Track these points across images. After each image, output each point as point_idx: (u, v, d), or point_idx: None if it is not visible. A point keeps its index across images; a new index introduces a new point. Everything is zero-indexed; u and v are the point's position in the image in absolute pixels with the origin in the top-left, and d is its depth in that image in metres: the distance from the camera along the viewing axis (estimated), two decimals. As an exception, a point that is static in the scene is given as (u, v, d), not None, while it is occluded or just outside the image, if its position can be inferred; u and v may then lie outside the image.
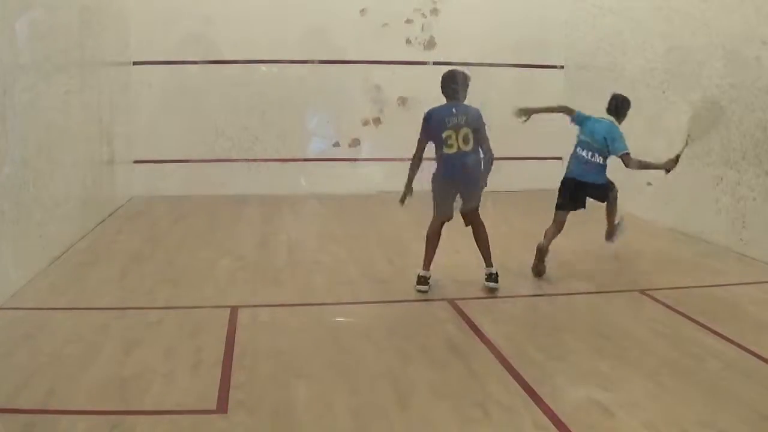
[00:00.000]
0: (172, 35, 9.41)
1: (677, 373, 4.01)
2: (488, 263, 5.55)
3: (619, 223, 6.56)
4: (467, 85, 5.65)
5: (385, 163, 10.12)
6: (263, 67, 9.81)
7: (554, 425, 3.39)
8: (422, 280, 5.49)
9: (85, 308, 5.12)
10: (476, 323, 4.80)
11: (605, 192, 6.31)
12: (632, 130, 8.54)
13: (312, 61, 9.86)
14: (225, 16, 9.52)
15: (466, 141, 5.37)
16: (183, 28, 9.44)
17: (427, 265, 5.55)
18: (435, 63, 10.11)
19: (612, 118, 6.39)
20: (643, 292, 5.51)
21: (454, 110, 5.43)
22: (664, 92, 7.94)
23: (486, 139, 5.47)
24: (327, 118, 10.18)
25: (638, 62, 8.44)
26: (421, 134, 5.54)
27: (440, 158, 5.46)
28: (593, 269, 6.22)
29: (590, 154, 6.18)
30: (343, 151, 10.13)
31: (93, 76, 7.83)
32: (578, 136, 6.33)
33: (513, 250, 6.83)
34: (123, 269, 6.10)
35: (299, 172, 9.99)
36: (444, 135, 5.38)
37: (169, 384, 3.81)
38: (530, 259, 6.46)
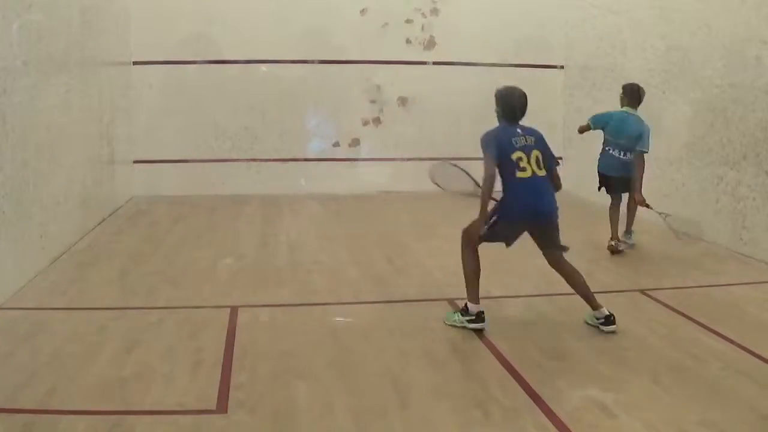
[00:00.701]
0: (173, 35, 9.43)
1: (677, 373, 4.01)
2: (595, 305, 4.67)
3: (632, 235, 6.98)
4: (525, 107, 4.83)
5: (385, 163, 10.14)
6: (263, 67, 9.82)
7: (555, 426, 3.39)
8: (480, 317, 4.62)
9: (85, 308, 5.12)
10: (476, 323, 4.79)
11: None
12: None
13: (312, 61, 9.87)
14: (225, 16, 9.53)
15: (539, 164, 4.61)
16: (183, 28, 9.45)
17: (475, 297, 4.68)
18: (435, 63, 10.13)
19: (630, 110, 6.65)
20: (643, 292, 5.51)
21: (519, 130, 4.69)
22: (664, 92, 7.94)
23: (554, 160, 4.78)
24: (327, 118, 10.19)
25: (638, 62, 8.44)
26: (487, 155, 4.60)
27: (511, 186, 4.60)
28: (593, 269, 6.21)
29: (622, 153, 6.59)
30: (343, 151, 10.14)
31: (93, 76, 7.83)
32: (606, 137, 6.70)
33: (513, 250, 6.82)
34: (123, 269, 6.10)
35: (299, 172, 10.00)
36: (514, 157, 4.57)
37: (169, 384, 3.81)
38: (530, 258, 6.46)
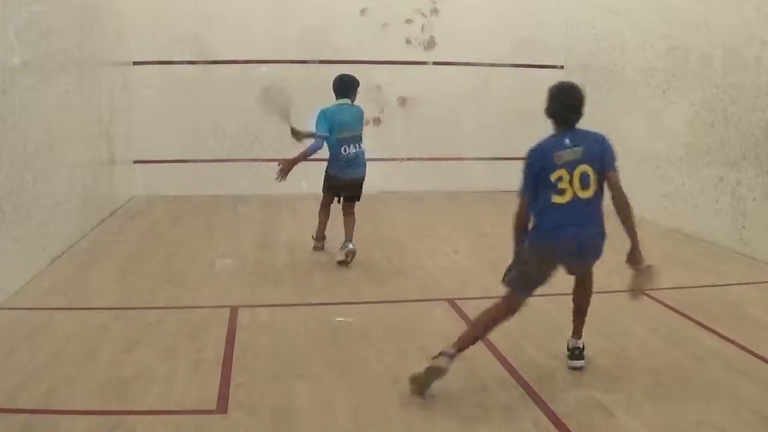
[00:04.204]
0: (172, 35, 9.42)
1: (677, 373, 4.01)
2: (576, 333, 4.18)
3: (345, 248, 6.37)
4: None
5: (385, 163, 10.12)
6: (263, 67, 9.81)
7: (554, 425, 3.39)
8: None
9: (85, 308, 5.12)
10: (476, 323, 4.78)
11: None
12: (633, 130, 8.61)
13: (312, 61, 9.86)
14: (225, 16, 9.53)
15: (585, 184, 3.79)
16: (183, 28, 9.45)
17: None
18: (435, 63, 10.13)
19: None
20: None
21: (567, 140, 3.84)
22: (664, 92, 7.94)
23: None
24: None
25: (638, 62, 8.44)
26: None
27: (542, 210, 3.86)
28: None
29: (355, 146, 6.51)
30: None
31: (93, 76, 7.83)
32: (334, 136, 6.46)
33: (512, 249, 6.82)
34: (123, 269, 6.10)
35: (299, 172, 9.96)
36: (552, 177, 3.79)
37: (169, 384, 3.81)
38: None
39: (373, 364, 4.16)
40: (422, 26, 10.11)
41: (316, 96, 10.09)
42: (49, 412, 3.47)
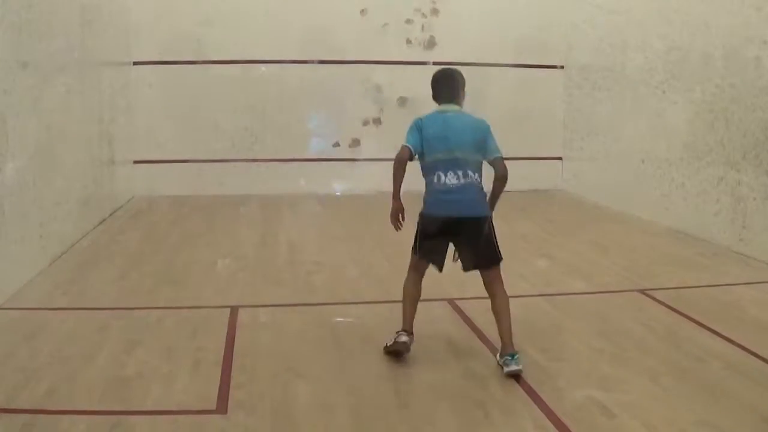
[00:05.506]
0: (173, 35, 9.43)
1: (677, 373, 4.01)
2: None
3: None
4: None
5: (385, 163, 10.07)
6: (263, 67, 9.82)
7: (554, 425, 3.39)
8: None
9: (85, 308, 5.12)
10: (476, 323, 4.80)
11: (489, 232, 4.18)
12: (633, 130, 8.61)
13: (312, 61, 9.87)
14: (225, 16, 9.53)
15: None
16: (183, 27, 9.46)
17: None
18: (435, 63, 10.11)
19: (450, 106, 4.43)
20: (643, 292, 5.51)
21: None
22: (664, 92, 7.94)
23: None
24: (327, 117, 10.19)
25: (638, 62, 8.44)
26: None
27: None
28: (593, 269, 6.22)
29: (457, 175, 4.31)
30: (343, 151, 10.13)
31: (93, 76, 7.83)
32: (428, 157, 4.52)
33: (513, 250, 6.82)
34: (123, 269, 6.10)
35: (299, 172, 10.00)
36: None
37: (169, 384, 3.81)
38: (530, 258, 6.47)
39: (373, 364, 4.15)
40: (422, 26, 10.11)
41: (315, 96, 10.18)
42: (49, 412, 3.47)
